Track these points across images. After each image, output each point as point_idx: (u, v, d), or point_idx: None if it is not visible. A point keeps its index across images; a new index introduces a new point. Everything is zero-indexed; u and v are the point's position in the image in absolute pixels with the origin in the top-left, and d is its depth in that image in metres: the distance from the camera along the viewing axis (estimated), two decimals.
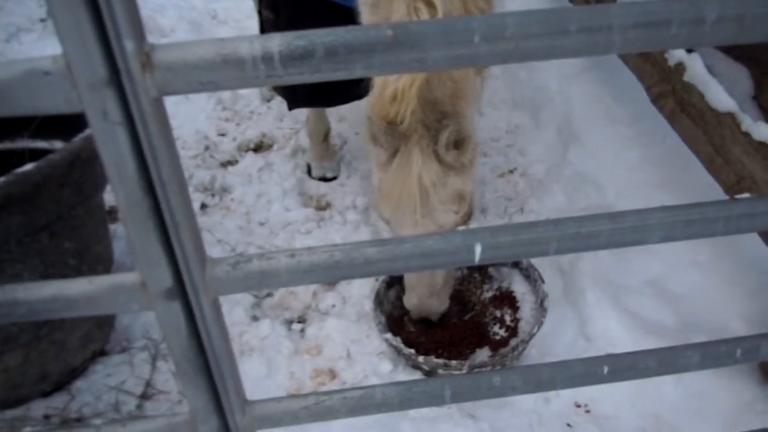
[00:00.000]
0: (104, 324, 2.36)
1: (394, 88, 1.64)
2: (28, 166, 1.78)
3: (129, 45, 0.49)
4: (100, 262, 2.24)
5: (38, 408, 2.22)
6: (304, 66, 0.53)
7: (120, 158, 0.53)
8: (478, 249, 0.70)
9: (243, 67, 0.52)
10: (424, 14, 1.59)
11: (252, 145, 3.53)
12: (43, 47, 4.43)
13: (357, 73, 0.54)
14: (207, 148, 3.51)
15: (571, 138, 3.28)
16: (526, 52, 0.56)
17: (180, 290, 0.63)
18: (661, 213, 0.73)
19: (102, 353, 2.41)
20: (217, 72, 0.52)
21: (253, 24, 3.38)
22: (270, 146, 3.53)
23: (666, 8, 0.59)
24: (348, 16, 1.94)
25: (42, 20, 4.81)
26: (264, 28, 2.52)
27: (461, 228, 2.01)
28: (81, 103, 0.51)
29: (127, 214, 0.57)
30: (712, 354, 0.85)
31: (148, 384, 2.33)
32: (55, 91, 0.50)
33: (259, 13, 2.53)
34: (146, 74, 0.50)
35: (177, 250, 0.60)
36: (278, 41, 0.51)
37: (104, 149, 0.53)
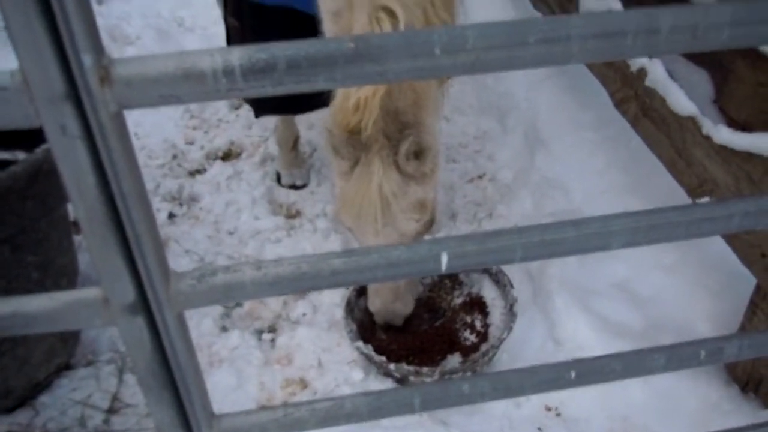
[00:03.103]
0: (69, 338, 2.32)
1: (356, 98, 1.65)
2: None
3: (87, 59, 0.49)
4: (65, 275, 2.20)
5: (1, 424, 2.17)
6: (265, 79, 0.53)
7: (79, 173, 0.52)
8: (444, 258, 0.71)
9: (204, 80, 0.51)
10: (386, 24, 1.60)
11: (220, 154, 3.50)
12: (7, 55, 4.35)
13: (319, 85, 0.54)
14: (175, 156, 3.48)
15: (538, 143, 3.32)
16: (487, 63, 0.57)
17: (143, 305, 0.63)
18: (624, 219, 0.74)
19: (67, 367, 2.36)
20: (177, 86, 0.51)
21: (220, 31, 3.35)
22: (239, 154, 3.51)
23: (622, 19, 0.60)
24: (311, 24, 1.94)
25: (3, 29, 4.73)
26: (230, 36, 2.51)
27: (426, 237, 2.02)
28: (39, 118, 0.50)
29: (87, 228, 0.56)
30: (676, 356, 0.86)
31: (115, 398, 2.29)
32: (13, 107, 0.50)
33: (225, 20, 2.52)
34: (105, 89, 0.50)
35: (139, 264, 0.59)
36: (239, 54, 0.51)
37: (63, 164, 0.52)
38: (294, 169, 3.23)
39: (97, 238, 0.56)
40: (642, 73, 2.54)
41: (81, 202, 0.54)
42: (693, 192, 2.32)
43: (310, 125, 3.58)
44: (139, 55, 0.51)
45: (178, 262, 2.72)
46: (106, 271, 0.59)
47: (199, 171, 3.39)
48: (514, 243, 0.71)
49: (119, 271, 0.59)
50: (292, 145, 3.17)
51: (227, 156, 3.49)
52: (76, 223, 2.55)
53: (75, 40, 0.48)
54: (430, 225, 2.03)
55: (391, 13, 1.61)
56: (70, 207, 2.26)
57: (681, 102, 2.28)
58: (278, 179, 3.28)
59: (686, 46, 0.63)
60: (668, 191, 2.58)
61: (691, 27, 0.61)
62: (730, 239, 2.18)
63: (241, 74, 0.52)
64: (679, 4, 0.64)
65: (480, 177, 3.29)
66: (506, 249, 0.72)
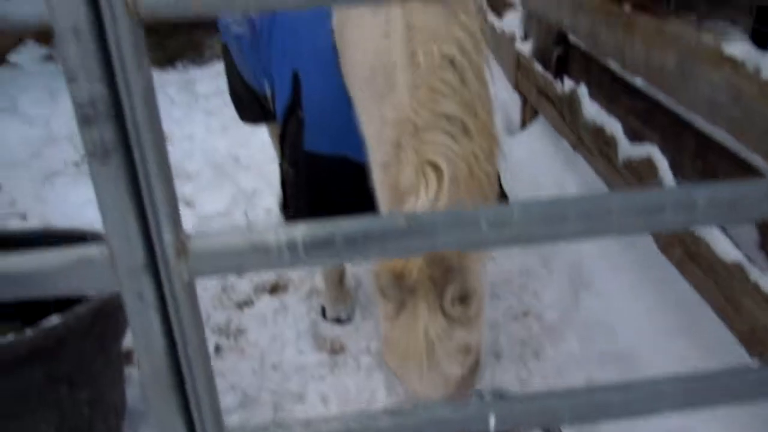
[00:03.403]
0: None
1: None
2: (54, 319, 1.81)
3: (167, 235, 0.54)
4: (113, 411, 2.20)
5: None
6: (325, 252, 0.57)
7: (150, 337, 0.57)
8: (492, 420, 0.71)
9: (269, 253, 0.56)
10: (432, 177, 1.68)
11: (268, 287, 3.58)
12: (75, 189, 4.64)
13: (372, 257, 0.59)
14: (224, 289, 3.57)
15: (582, 283, 3.31)
16: (531, 237, 0.61)
17: None
18: (674, 384, 0.74)
19: None
20: (245, 258, 0.56)
21: (274, 169, 3.53)
22: (286, 288, 3.58)
23: (660, 195, 0.63)
24: (362, 172, 2.04)
25: (75, 164, 5.08)
26: (284, 181, 2.64)
27: (471, 375, 1.99)
28: (119, 286, 0.55)
29: (151, 389, 0.59)
30: None
31: None
32: (98, 276, 0.55)
33: (281, 166, 2.66)
34: (181, 261, 0.55)
35: (197, 424, 0.61)
36: (302, 231, 0.56)
37: (136, 328, 0.57)
38: (339, 303, 3.27)
39: (159, 399, 0.59)
40: None
41: (148, 364, 0.58)
42: (744, 340, 2.25)
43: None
44: (212, 231, 0.57)
45: (223, 399, 2.71)
46: (165, 429, 0.62)
47: (247, 303, 3.46)
48: (562, 406, 0.72)
49: (178, 429, 0.61)
50: (338, 279, 3.23)
51: (275, 289, 3.56)
52: (128, 354, 2.59)
53: (159, 218, 0.54)
54: (475, 368, 2.00)
55: (436, 168, 1.69)
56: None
57: (726, 248, 2.27)
58: (323, 313, 3.31)
59: (724, 220, 0.66)
60: (718, 335, 2.51)
61: (728, 202, 0.64)
62: None
63: (303, 248, 0.56)
64: (714, 180, 0.67)
65: (525, 314, 3.26)
66: (554, 411, 0.72)
